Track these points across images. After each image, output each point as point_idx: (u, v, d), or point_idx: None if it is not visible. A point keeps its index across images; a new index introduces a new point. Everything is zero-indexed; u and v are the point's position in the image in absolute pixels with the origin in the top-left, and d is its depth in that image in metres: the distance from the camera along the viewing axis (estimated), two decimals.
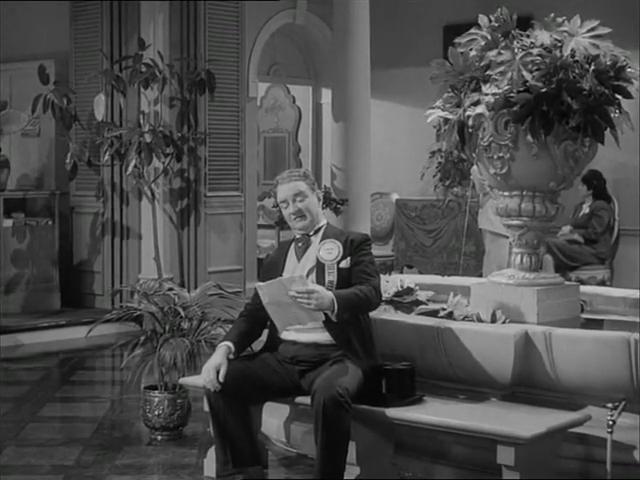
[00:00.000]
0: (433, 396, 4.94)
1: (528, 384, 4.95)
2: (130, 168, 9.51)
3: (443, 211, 11.12)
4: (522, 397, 4.96)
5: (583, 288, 6.02)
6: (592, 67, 5.02)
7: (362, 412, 4.76)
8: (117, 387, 7.91)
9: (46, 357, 8.69)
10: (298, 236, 5.10)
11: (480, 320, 5.22)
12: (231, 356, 4.92)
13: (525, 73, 4.98)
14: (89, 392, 7.45)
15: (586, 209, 10.11)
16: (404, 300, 6.00)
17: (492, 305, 5.33)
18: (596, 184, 10.01)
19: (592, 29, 5.10)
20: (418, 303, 5.97)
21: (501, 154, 5.28)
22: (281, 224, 10.67)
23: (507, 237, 6.90)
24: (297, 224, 5.05)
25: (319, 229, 5.07)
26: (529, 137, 5.10)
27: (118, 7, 10.27)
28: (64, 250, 10.43)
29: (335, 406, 4.54)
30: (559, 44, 5.08)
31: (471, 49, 5.24)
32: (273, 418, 5.47)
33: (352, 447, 4.71)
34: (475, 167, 5.84)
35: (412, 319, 5.39)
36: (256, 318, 5.06)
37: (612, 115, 5.11)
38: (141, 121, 9.79)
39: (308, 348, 4.94)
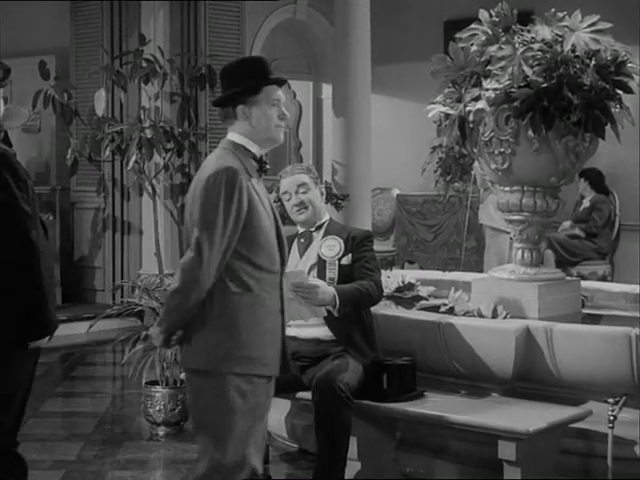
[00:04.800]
0: (434, 391, 4.94)
1: (529, 379, 4.95)
2: (131, 163, 9.51)
3: (444, 206, 11.11)
4: (523, 392, 4.96)
5: (584, 283, 6.02)
6: (593, 62, 5.02)
7: (363, 407, 4.76)
8: (118, 382, 7.92)
9: (47, 352, 8.61)
10: (301, 231, 5.09)
11: (481, 315, 5.22)
12: None
13: (526, 68, 4.98)
14: (90, 387, 7.46)
15: (586, 203, 10.11)
16: (405, 295, 6.00)
17: (493, 300, 5.33)
18: (594, 177, 10.01)
19: (593, 24, 5.09)
20: (419, 298, 5.98)
21: (502, 149, 5.28)
22: (282, 219, 10.65)
23: (507, 232, 6.91)
24: (299, 217, 5.03)
25: (321, 225, 5.06)
26: (530, 132, 5.10)
27: (118, 3, 10.27)
28: (65, 245, 10.44)
29: (336, 401, 4.54)
30: (560, 39, 5.07)
31: (472, 44, 5.24)
32: (274, 413, 5.47)
33: (353, 442, 4.71)
34: (477, 162, 5.84)
35: (413, 314, 5.39)
36: None
37: (613, 110, 5.11)
38: (142, 116, 9.78)
39: (309, 344, 4.94)
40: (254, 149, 3.80)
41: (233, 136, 3.80)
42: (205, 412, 3.69)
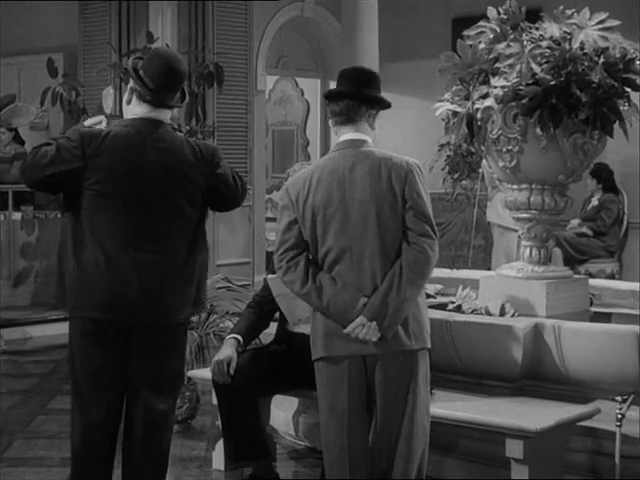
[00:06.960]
0: (442, 389, 4.93)
1: (537, 377, 4.95)
2: None
3: (452, 204, 11.10)
4: (531, 390, 4.95)
5: (592, 281, 6.01)
6: (601, 60, 5.00)
7: None
8: None
9: (55, 350, 8.70)
10: None
11: (489, 313, 5.21)
12: (239, 349, 4.92)
13: (534, 66, 4.97)
14: None
15: (595, 202, 10.10)
16: None
17: (501, 298, 5.32)
18: (605, 177, 10.01)
19: (601, 21, 5.08)
20: (426, 296, 5.95)
21: (510, 147, 5.27)
22: None
23: (515, 230, 6.90)
24: None
25: None
26: (538, 130, 5.09)
27: (127, 1, 10.28)
28: None
29: None
30: (568, 37, 5.06)
31: (480, 42, 5.23)
32: (281, 411, 5.47)
33: None
34: (485, 160, 5.83)
35: None
36: (264, 310, 5.06)
37: (621, 108, 5.09)
38: None
39: None
40: None
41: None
42: (422, 386, 4.00)
